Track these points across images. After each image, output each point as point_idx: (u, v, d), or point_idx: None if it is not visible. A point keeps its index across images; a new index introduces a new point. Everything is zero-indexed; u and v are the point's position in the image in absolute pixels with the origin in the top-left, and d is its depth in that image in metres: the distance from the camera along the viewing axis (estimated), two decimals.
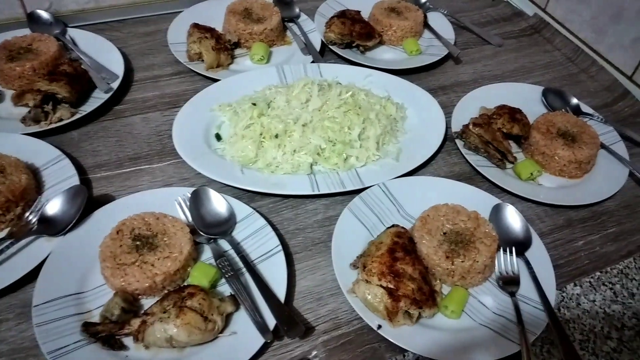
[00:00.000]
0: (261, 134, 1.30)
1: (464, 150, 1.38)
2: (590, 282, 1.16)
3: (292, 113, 1.33)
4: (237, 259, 1.08)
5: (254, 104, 1.34)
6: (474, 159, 1.37)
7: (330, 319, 1.05)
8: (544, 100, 1.57)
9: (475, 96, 1.55)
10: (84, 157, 1.30)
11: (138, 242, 1.05)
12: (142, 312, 0.97)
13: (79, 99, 1.37)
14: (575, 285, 1.16)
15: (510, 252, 1.15)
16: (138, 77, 1.55)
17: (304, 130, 1.30)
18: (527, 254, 1.15)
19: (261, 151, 1.29)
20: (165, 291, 1.02)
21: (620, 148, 1.45)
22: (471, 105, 1.52)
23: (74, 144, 1.33)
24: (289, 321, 0.97)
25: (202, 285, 1.00)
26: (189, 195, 1.16)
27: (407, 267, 1.03)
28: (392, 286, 1.00)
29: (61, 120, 1.32)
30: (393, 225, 1.15)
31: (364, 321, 1.02)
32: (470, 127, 1.37)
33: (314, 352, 0.99)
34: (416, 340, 0.99)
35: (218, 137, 1.34)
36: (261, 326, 0.96)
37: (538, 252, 1.16)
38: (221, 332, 0.97)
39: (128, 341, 0.95)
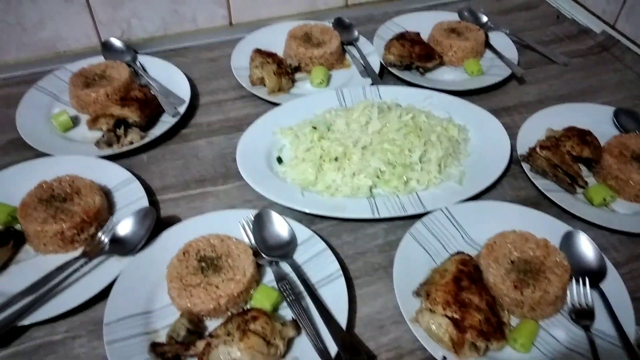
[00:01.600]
0: (321, 157, 1.30)
1: (530, 174, 1.33)
2: None
3: (352, 136, 1.33)
4: (298, 282, 1.08)
5: (314, 127, 1.35)
6: (542, 183, 1.31)
7: (392, 347, 1.02)
8: (615, 121, 1.49)
9: (541, 117, 1.49)
10: (152, 179, 1.35)
11: (203, 264, 1.07)
12: (207, 334, 0.98)
13: (148, 122, 1.43)
14: None
15: (584, 283, 1.09)
16: (203, 101, 1.60)
17: (363, 153, 1.30)
18: (602, 285, 1.09)
19: (321, 174, 1.29)
20: (229, 313, 1.03)
21: None
22: (537, 127, 1.46)
23: (143, 166, 1.38)
24: (351, 349, 0.96)
25: (264, 309, 1.01)
26: (252, 218, 1.18)
27: (473, 297, 1.00)
28: (457, 316, 0.97)
29: (132, 143, 1.38)
30: (457, 253, 1.12)
31: (427, 352, 0.99)
32: (538, 149, 1.32)
33: None
34: None
35: (279, 160, 1.36)
36: (323, 353, 0.96)
37: (614, 284, 1.09)
38: (283, 356, 0.97)
39: None
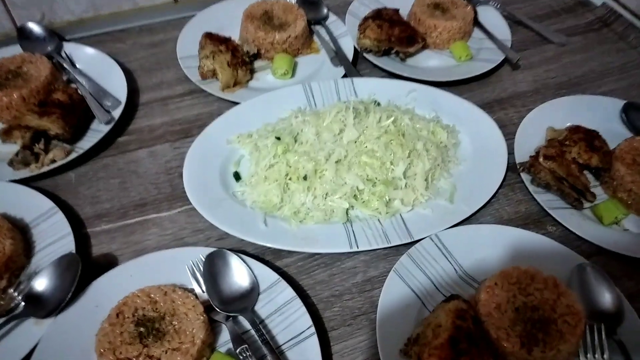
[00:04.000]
0: (287, 175, 1.09)
1: (531, 188, 1.14)
2: None
3: (324, 148, 1.11)
4: (260, 342, 0.88)
5: (278, 138, 1.12)
6: (544, 198, 1.13)
7: None
8: (624, 117, 1.30)
9: (540, 114, 1.29)
10: (82, 205, 1.11)
11: (142, 329, 0.86)
12: None
13: (75, 133, 1.17)
14: None
15: (599, 332, 0.92)
16: (144, 99, 1.35)
17: (337, 169, 1.09)
18: (620, 331, 0.92)
19: (287, 195, 1.08)
20: None
21: None
22: (536, 126, 1.27)
23: (70, 188, 1.14)
24: None
25: None
26: (203, 259, 0.96)
27: None
28: None
29: (54, 161, 1.13)
30: (452, 297, 0.93)
31: None
32: (541, 160, 1.13)
33: None
34: None
35: (237, 177, 1.14)
36: None
37: (632, 328, 0.93)
38: None
39: None
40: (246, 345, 0.87)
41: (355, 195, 1.08)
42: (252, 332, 0.90)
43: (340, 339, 0.95)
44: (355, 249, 1.02)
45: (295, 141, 1.13)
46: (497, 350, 0.88)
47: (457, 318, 0.88)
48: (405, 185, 1.10)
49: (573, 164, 1.14)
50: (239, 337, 0.89)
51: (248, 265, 0.96)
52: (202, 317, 0.88)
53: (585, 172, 1.19)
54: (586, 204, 1.14)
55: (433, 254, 1.02)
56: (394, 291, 0.96)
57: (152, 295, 0.90)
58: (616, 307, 0.95)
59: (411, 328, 0.92)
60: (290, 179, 1.09)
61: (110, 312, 0.88)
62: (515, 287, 0.94)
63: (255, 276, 0.96)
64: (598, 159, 1.15)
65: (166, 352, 0.84)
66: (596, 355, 0.90)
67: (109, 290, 0.92)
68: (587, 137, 1.18)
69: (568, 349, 0.86)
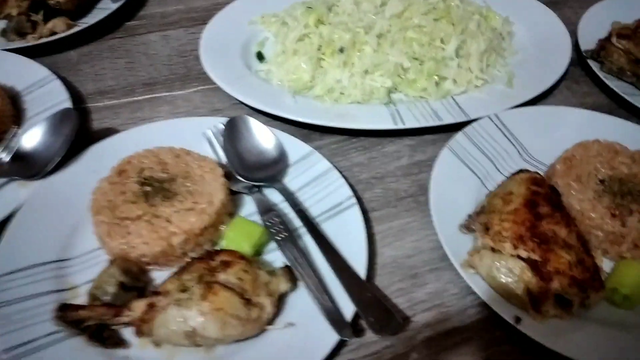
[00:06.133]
0: (320, 49, 0.93)
1: (601, 74, 0.99)
2: None
3: (363, 19, 0.96)
4: (293, 214, 0.73)
5: (310, 7, 0.97)
6: (618, 85, 0.97)
7: (433, 305, 0.69)
8: None
9: (603, 9, 1.14)
10: (83, 82, 0.97)
11: (149, 188, 0.71)
12: (151, 290, 0.63)
13: (79, 7, 1.04)
14: None
15: None
16: None
17: (379, 43, 0.94)
18: None
19: (320, 72, 0.93)
20: (188, 259, 0.67)
21: None
22: (599, 22, 1.11)
23: (71, 66, 1.00)
24: (378, 308, 0.62)
25: (242, 252, 0.66)
26: (223, 127, 0.81)
27: (558, 228, 0.66)
28: (537, 257, 0.64)
29: (54, 33, 0.99)
30: (521, 171, 0.77)
31: (488, 311, 0.66)
32: (614, 40, 0.97)
33: (413, 356, 0.64)
34: (576, 342, 0.63)
35: (260, 57, 0.99)
36: (332, 314, 0.62)
37: None
38: (271, 322, 0.62)
39: (129, 334, 0.61)
40: (275, 212, 0.72)
41: (399, 74, 0.93)
42: (283, 206, 0.75)
43: (383, 220, 0.79)
44: (400, 126, 0.87)
45: (330, 11, 0.98)
46: (579, 226, 0.72)
47: (533, 184, 0.72)
48: (458, 65, 0.95)
49: None
50: (266, 207, 0.74)
51: (275, 134, 0.81)
52: (221, 179, 0.73)
53: None
54: None
55: (492, 134, 0.86)
56: (448, 168, 0.80)
57: (162, 157, 0.76)
58: None
59: (470, 207, 0.76)
60: (323, 53, 0.94)
61: (111, 171, 0.73)
62: (597, 160, 0.78)
63: (283, 144, 0.81)
64: None
65: (177, 212, 0.69)
66: None
67: (109, 155, 0.77)
68: None
69: None
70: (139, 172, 0.73)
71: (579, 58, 1.06)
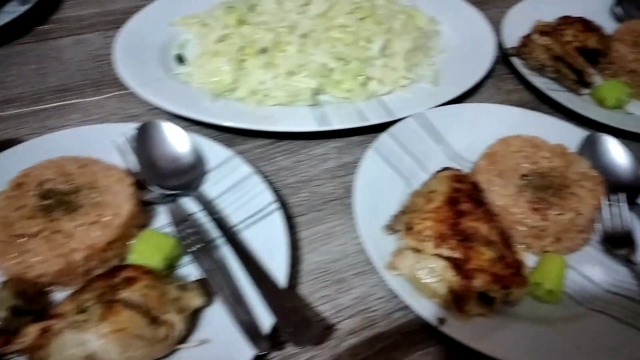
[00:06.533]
0: (241, 49, 0.90)
1: (525, 71, 1.00)
2: None
3: (286, 19, 0.93)
4: (211, 224, 0.69)
5: (231, 7, 0.94)
6: (541, 81, 0.98)
7: (358, 311, 0.67)
8: (615, 10, 1.19)
9: (526, 8, 1.17)
10: None
11: (49, 202, 0.66)
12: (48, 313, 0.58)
13: None
14: None
15: (618, 201, 0.77)
16: None
17: (303, 43, 0.91)
18: None
19: (242, 74, 0.89)
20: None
21: None
22: (523, 20, 1.12)
23: None
24: (298, 319, 0.59)
25: (150, 266, 0.61)
26: (133, 134, 0.76)
27: (479, 225, 0.65)
28: (458, 255, 0.62)
29: None
30: (445, 169, 0.76)
31: (412, 312, 0.64)
32: (535, 37, 0.99)
33: None
34: (500, 340, 0.61)
35: (180, 60, 0.95)
36: (249, 328, 0.58)
37: None
38: (183, 341, 0.58)
39: None
40: (190, 222, 0.68)
41: (324, 74, 0.91)
42: (199, 215, 0.71)
43: (309, 224, 0.76)
44: (325, 128, 0.84)
45: (251, 11, 0.95)
46: (502, 222, 0.71)
47: (454, 181, 0.71)
48: (384, 65, 0.93)
49: (569, 45, 1.00)
50: (180, 217, 0.69)
51: (193, 140, 0.77)
52: (129, 189, 0.68)
53: None
54: (584, 91, 1.00)
55: (417, 132, 0.85)
56: (373, 169, 0.78)
57: (66, 167, 0.70)
58: (635, 176, 0.80)
59: (396, 208, 0.74)
60: (246, 54, 0.90)
61: (7, 184, 0.67)
62: (519, 155, 0.78)
63: (200, 149, 0.77)
64: (595, 40, 1.01)
65: (80, 227, 0.63)
66: (616, 225, 0.75)
67: (9, 169, 0.70)
68: (582, 21, 1.05)
69: (589, 214, 0.71)
70: (39, 184, 0.67)
71: (504, 56, 1.07)
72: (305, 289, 0.69)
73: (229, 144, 0.84)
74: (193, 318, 0.60)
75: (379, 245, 0.69)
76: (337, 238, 0.75)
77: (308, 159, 0.86)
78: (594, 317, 0.66)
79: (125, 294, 0.56)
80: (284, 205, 0.78)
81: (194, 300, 0.60)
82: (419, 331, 0.65)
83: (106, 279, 0.58)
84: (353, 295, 0.68)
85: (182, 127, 0.80)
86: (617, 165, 0.81)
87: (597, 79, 1.03)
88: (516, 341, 0.62)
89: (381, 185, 0.77)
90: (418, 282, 0.64)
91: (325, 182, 0.82)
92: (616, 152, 0.82)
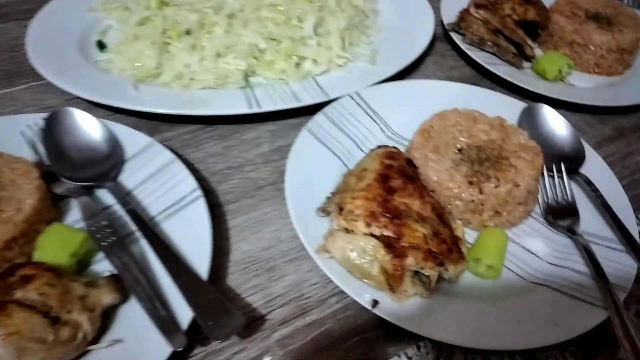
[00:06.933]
0: (165, 32, 0.85)
1: (464, 46, 0.98)
2: None
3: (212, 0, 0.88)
4: (129, 217, 0.64)
5: None
6: (480, 55, 0.96)
7: (291, 299, 0.63)
8: None
9: None
10: None
11: None
12: None
13: None
14: None
15: (559, 172, 0.75)
16: None
17: (231, 24, 0.87)
18: (583, 171, 0.76)
19: (166, 58, 0.84)
20: None
21: None
22: None
23: None
24: (216, 310, 0.54)
25: (56, 263, 0.56)
26: (43, 124, 0.70)
27: (411, 201, 0.62)
28: (390, 233, 0.59)
29: None
30: (380, 147, 0.73)
31: (348, 297, 0.60)
32: (472, 10, 0.97)
33: (267, 359, 0.57)
34: (438, 321, 0.58)
35: (101, 46, 0.89)
36: (166, 325, 0.53)
37: (596, 168, 0.77)
38: (94, 342, 0.53)
39: None
40: (102, 216, 0.62)
41: (255, 55, 0.86)
42: (116, 208, 0.66)
43: (240, 212, 0.72)
44: (255, 110, 0.80)
45: None
46: (439, 197, 0.68)
47: (386, 158, 0.68)
48: (318, 44, 0.90)
49: (508, 19, 0.98)
50: (93, 210, 0.64)
51: (106, 126, 0.72)
52: (35, 182, 0.62)
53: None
54: (525, 64, 0.98)
55: (354, 112, 0.82)
56: (307, 150, 0.74)
57: None
58: (575, 146, 0.79)
59: (331, 189, 0.70)
60: (169, 37, 0.85)
61: None
62: (456, 129, 0.75)
63: (116, 137, 0.71)
64: (535, 12, 1.00)
65: None
66: (558, 196, 0.73)
67: None
68: None
69: (527, 185, 0.68)
70: None
71: (446, 33, 1.05)
72: (234, 280, 0.64)
73: (153, 132, 0.80)
74: (106, 316, 0.55)
75: (312, 228, 0.65)
76: (270, 225, 0.70)
77: (240, 143, 0.81)
78: (537, 291, 0.64)
79: (21, 293, 0.50)
80: (213, 193, 0.73)
81: (104, 297, 0.55)
82: (354, 316, 0.62)
83: (1, 278, 0.52)
84: (285, 283, 0.64)
85: (103, 117, 0.75)
86: (557, 136, 0.80)
87: (537, 52, 1.02)
88: (454, 321, 0.59)
89: (316, 167, 0.73)
90: (351, 264, 0.60)
91: (258, 167, 0.78)
92: (555, 123, 0.80)
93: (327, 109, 0.80)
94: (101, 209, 0.64)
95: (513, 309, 0.61)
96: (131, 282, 0.57)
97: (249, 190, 0.75)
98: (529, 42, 0.97)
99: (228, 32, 0.86)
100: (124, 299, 0.57)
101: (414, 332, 0.57)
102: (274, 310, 0.62)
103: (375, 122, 0.82)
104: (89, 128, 0.70)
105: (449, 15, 1.04)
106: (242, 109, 0.79)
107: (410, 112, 0.83)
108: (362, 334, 0.61)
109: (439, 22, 1.05)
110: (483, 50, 0.98)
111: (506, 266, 0.66)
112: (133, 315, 0.56)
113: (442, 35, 1.05)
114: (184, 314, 0.55)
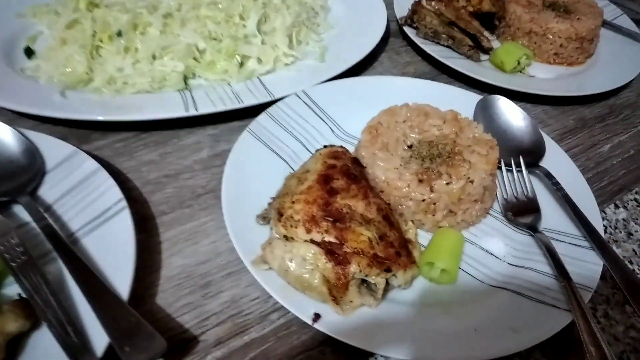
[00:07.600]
0: (95, 35, 0.79)
1: (418, 40, 0.93)
2: (636, 199, 0.75)
3: None
4: (41, 232, 0.57)
5: None
6: (435, 49, 0.92)
7: (228, 317, 0.57)
8: None
9: None
10: None
11: None
12: None
13: None
14: (617, 207, 0.74)
15: (517, 166, 0.71)
16: None
17: (166, 24, 0.81)
18: (543, 165, 0.72)
19: (97, 62, 0.78)
20: None
21: (626, 22, 1.05)
22: None
23: None
24: (135, 333, 0.48)
25: None
26: None
27: (355, 203, 0.57)
28: (332, 238, 0.54)
29: None
30: (325, 147, 0.68)
31: (289, 313, 0.55)
32: (424, 2, 0.93)
33: None
34: (388, 333, 0.53)
35: (29, 53, 0.82)
36: (79, 352, 0.47)
37: (558, 161, 0.73)
38: None
39: None
40: (11, 235, 0.56)
41: (194, 57, 0.81)
42: (33, 226, 0.59)
43: (174, 223, 0.66)
44: (193, 113, 0.74)
45: None
46: (388, 199, 0.63)
47: (330, 158, 0.62)
48: (262, 43, 0.84)
49: (462, 10, 0.95)
50: (1, 229, 0.57)
51: (22, 134, 0.65)
52: None
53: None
54: (483, 57, 0.94)
55: (301, 111, 0.77)
56: (248, 153, 0.69)
57: None
58: (533, 139, 0.74)
59: (274, 194, 0.65)
60: (99, 40, 0.79)
61: None
62: (406, 125, 0.70)
63: (36, 150, 0.65)
64: (490, 2, 0.97)
65: None
66: (518, 192, 0.68)
67: None
68: None
69: (482, 181, 0.64)
70: None
71: (400, 29, 1.01)
72: (166, 298, 0.58)
73: (83, 141, 0.74)
74: (15, 345, 0.49)
75: (250, 238, 0.59)
76: (207, 236, 0.65)
77: (177, 150, 0.75)
78: (496, 295, 0.59)
79: None
80: (144, 204, 0.67)
81: (9, 325, 0.49)
82: (298, 332, 0.56)
83: None
84: (222, 300, 0.58)
85: (30, 127, 0.69)
86: (515, 128, 0.75)
87: (495, 44, 0.98)
88: (405, 332, 0.53)
89: (258, 171, 0.67)
90: (289, 275, 0.55)
91: (196, 175, 0.72)
92: (513, 114, 0.76)
93: (271, 109, 0.75)
94: (11, 226, 0.58)
95: (470, 316, 0.56)
96: (42, 306, 0.50)
97: (185, 200, 0.69)
98: (485, 33, 0.94)
99: (164, 33, 0.80)
100: (35, 325, 0.50)
101: (363, 349, 0.51)
102: (208, 330, 0.56)
103: (324, 121, 0.77)
104: (2, 139, 0.64)
105: (403, 10, 1.00)
106: (177, 112, 0.74)
107: (362, 110, 0.77)
108: (306, 351, 0.55)
109: (394, 18, 1.00)
110: (438, 44, 0.94)
111: (462, 269, 0.61)
112: (45, 343, 0.49)
113: (397, 31, 1.01)
114: (101, 339, 0.49)
